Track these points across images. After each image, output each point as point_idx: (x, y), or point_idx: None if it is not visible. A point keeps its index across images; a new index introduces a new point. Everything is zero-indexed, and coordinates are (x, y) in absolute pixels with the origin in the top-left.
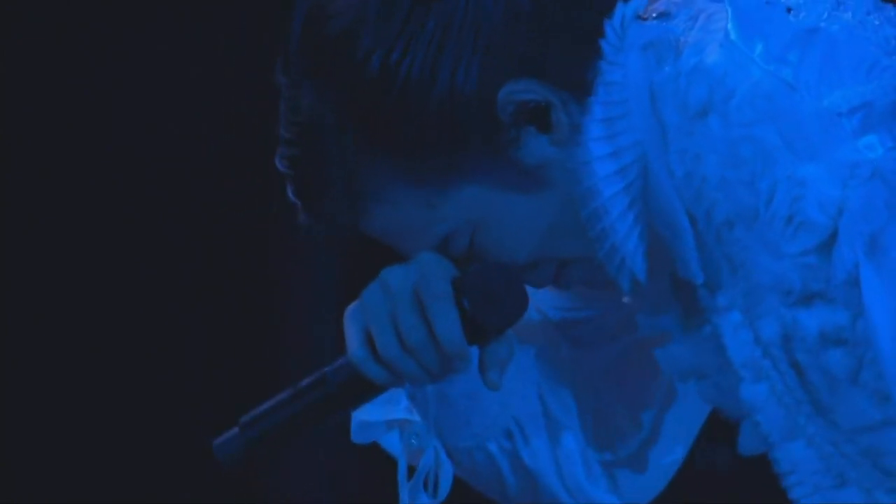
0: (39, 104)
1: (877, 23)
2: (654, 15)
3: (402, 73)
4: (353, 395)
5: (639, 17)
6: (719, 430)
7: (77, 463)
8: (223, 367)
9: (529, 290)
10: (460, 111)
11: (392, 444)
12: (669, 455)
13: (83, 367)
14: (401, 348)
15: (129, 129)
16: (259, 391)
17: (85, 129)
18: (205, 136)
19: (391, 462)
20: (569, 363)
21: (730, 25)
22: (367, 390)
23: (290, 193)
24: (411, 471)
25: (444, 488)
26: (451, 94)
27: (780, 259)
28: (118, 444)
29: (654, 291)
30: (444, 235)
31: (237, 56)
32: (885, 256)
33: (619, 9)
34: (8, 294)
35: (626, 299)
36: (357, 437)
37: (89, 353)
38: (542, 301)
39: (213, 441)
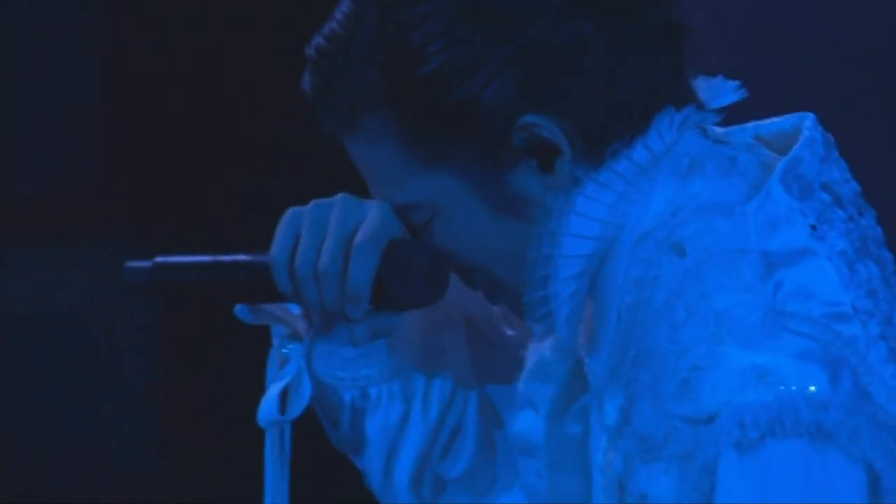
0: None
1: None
2: (713, 134)
3: (441, 56)
4: (258, 291)
5: (699, 127)
6: None
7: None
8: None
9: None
10: (479, 112)
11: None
12: (503, 497)
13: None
14: (313, 270)
15: None
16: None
17: None
18: None
19: None
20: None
21: (756, 200)
22: (270, 294)
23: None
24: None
25: (297, 409)
26: (478, 95)
27: (656, 411)
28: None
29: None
30: (407, 204)
31: None
32: (751, 461)
33: (685, 112)
34: None
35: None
36: (241, 312)
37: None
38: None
39: (126, 262)
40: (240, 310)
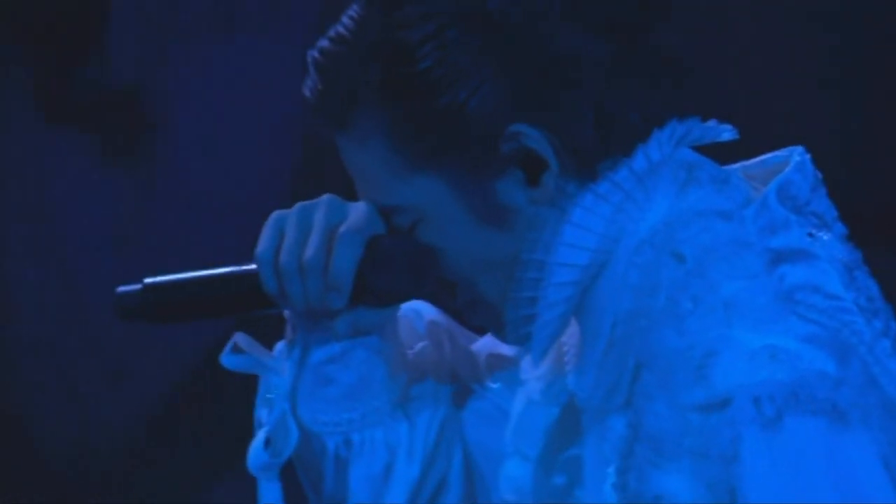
0: None
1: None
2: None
3: (434, 56)
4: (246, 301)
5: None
6: None
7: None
8: None
9: None
10: (467, 117)
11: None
12: None
13: None
14: (297, 264)
15: None
16: None
17: None
18: None
19: None
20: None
21: (753, 207)
22: (257, 302)
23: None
24: None
25: (287, 451)
26: (468, 99)
27: (670, 407)
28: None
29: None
30: (392, 206)
31: None
32: (774, 438)
33: (687, 125)
34: None
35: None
36: (227, 360)
37: None
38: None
39: (118, 288)
40: (226, 357)
